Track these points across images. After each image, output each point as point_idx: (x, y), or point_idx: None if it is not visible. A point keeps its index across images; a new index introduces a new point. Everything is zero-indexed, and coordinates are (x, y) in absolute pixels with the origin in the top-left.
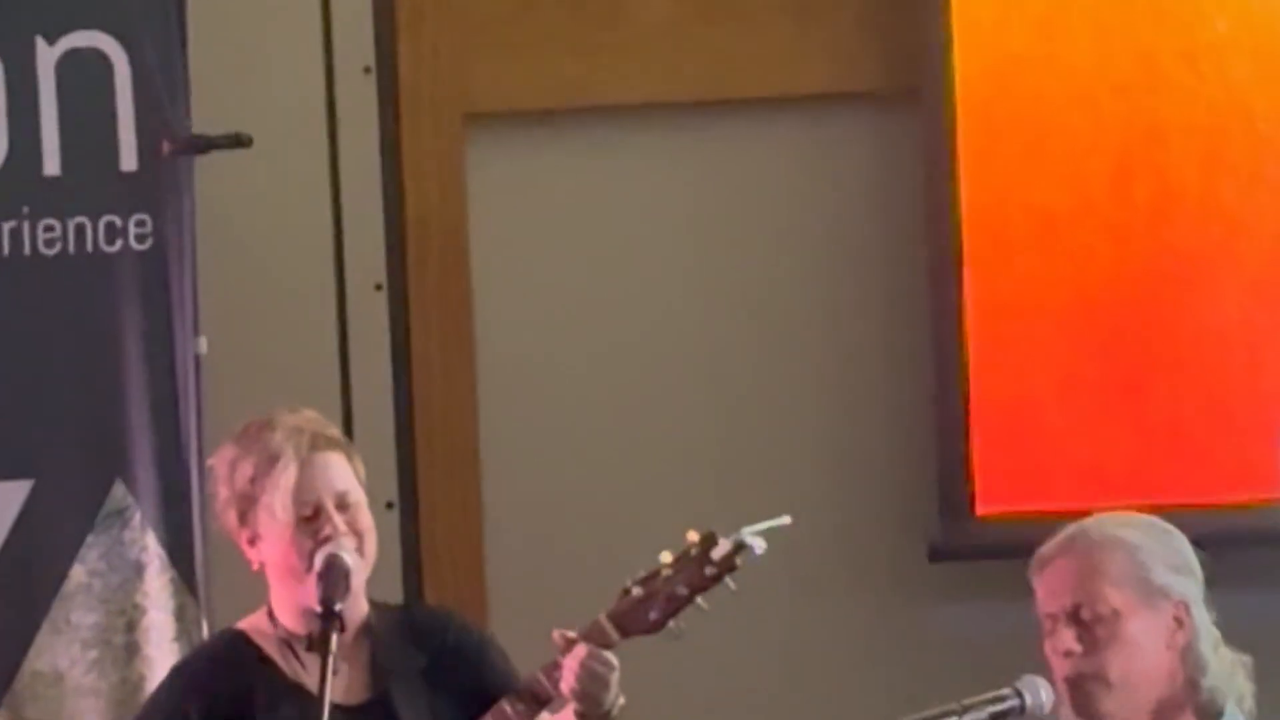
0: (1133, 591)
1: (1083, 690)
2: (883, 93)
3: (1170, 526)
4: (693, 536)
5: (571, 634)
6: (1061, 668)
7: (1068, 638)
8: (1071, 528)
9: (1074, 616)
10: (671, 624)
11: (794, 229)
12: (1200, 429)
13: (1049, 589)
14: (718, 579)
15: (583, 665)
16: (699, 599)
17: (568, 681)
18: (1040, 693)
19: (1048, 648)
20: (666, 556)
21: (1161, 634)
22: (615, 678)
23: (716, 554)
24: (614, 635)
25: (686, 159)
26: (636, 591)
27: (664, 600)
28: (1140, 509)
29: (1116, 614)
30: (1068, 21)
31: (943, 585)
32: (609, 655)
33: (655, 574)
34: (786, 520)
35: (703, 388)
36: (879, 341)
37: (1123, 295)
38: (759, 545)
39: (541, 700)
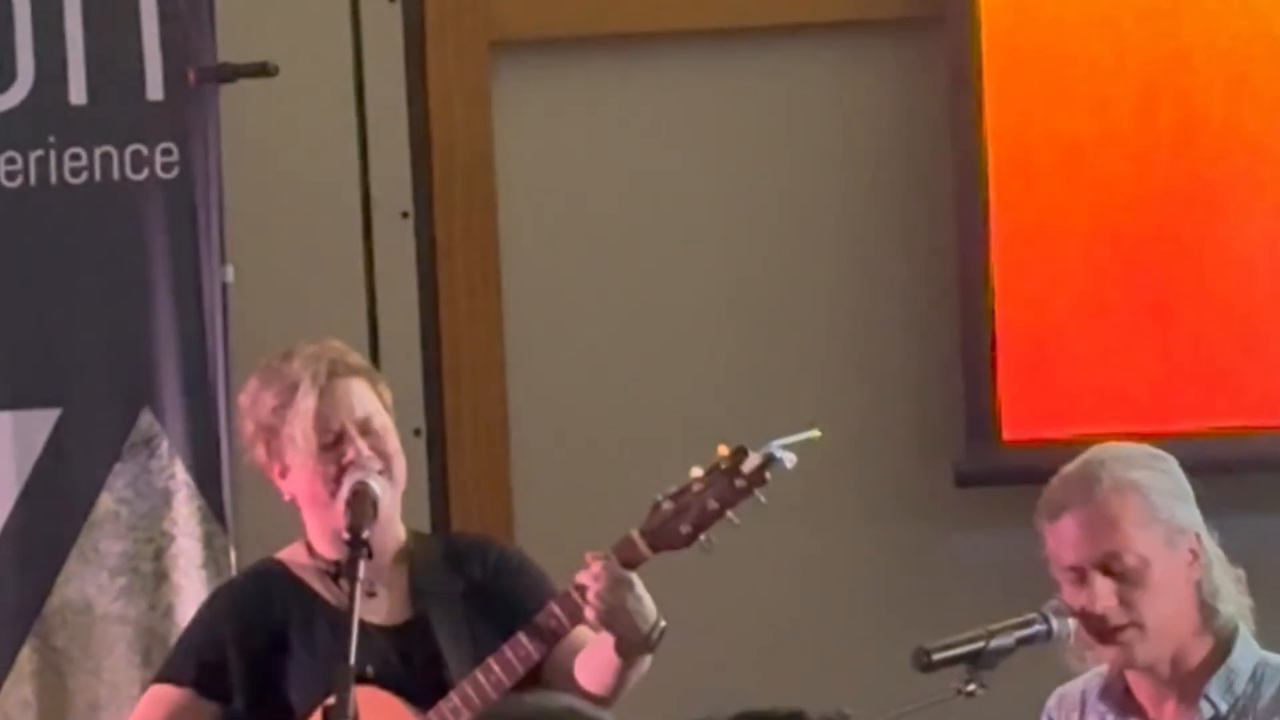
0: (1155, 535)
1: (1120, 639)
2: (907, 20)
3: (1163, 453)
4: (723, 450)
5: (599, 554)
6: (1094, 618)
7: (1105, 591)
8: (1075, 474)
9: (1105, 568)
10: (702, 538)
11: (819, 156)
12: (1225, 354)
13: (1069, 541)
14: (748, 493)
15: (598, 580)
16: (730, 513)
17: (591, 604)
18: (1068, 619)
19: (1072, 595)
20: (697, 471)
21: (1182, 571)
22: (647, 601)
23: (747, 467)
24: (645, 550)
25: (712, 86)
26: (667, 506)
27: (695, 514)
28: (1165, 434)
29: (1145, 561)
30: None
31: (969, 511)
32: (623, 571)
33: (686, 489)
34: (816, 433)
35: (728, 315)
36: (904, 268)
37: (1147, 221)
38: (789, 459)
39: (555, 633)
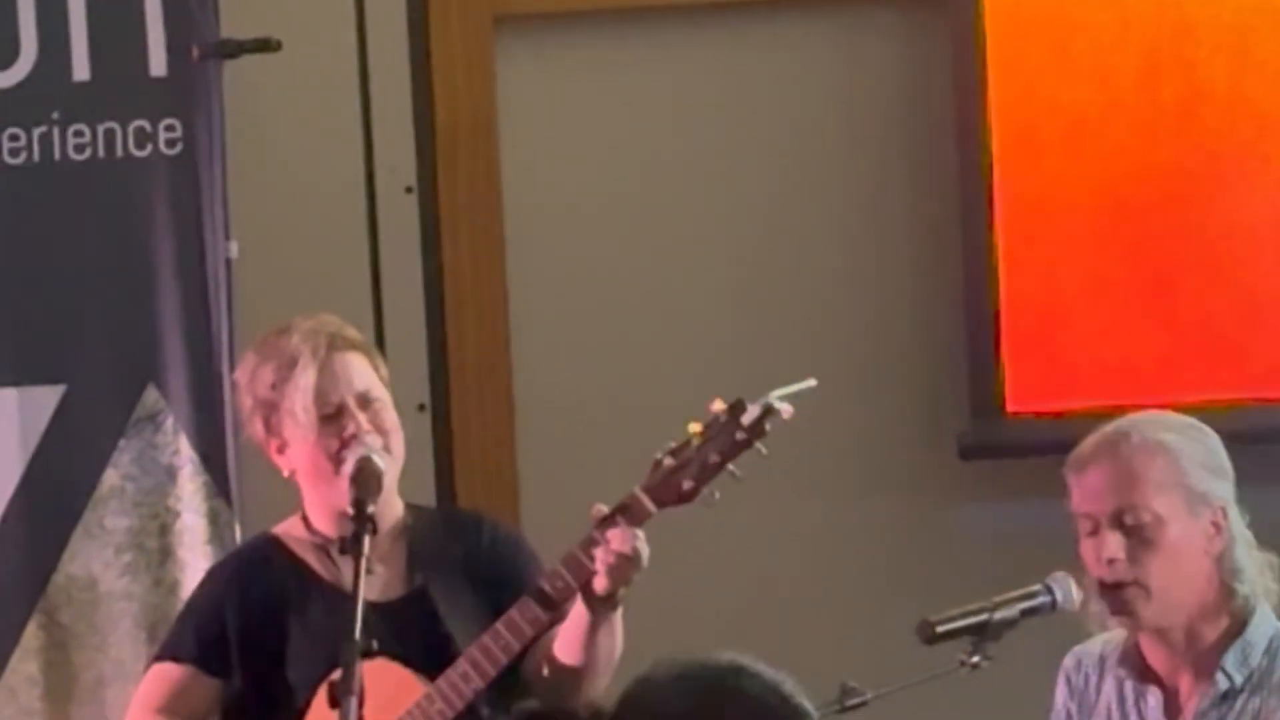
0: (1175, 498)
1: (1122, 597)
2: None
3: (1204, 426)
4: (719, 405)
5: (606, 508)
6: (1101, 571)
7: (1113, 544)
8: (1110, 429)
9: (1117, 521)
10: (705, 491)
11: (823, 129)
12: (1229, 326)
13: (1089, 490)
14: (748, 444)
15: (624, 544)
16: (731, 465)
17: (604, 561)
18: (1071, 590)
19: (1087, 548)
20: (695, 426)
21: (1200, 541)
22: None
23: (746, 419)
24: (650, 506)
25: (716, 60)
26: (668, 462)
27: (697, 469)
28: (1170, 406)
29: (1160, 520)
30: None
31: (973, 483)
32: (641, 538)
33: (686, 444)
34: (812, 383)
35: (731, 289)
36: (909, 241)
37: (1152, 192)
38: (786, 409)
39: (564, 594)
